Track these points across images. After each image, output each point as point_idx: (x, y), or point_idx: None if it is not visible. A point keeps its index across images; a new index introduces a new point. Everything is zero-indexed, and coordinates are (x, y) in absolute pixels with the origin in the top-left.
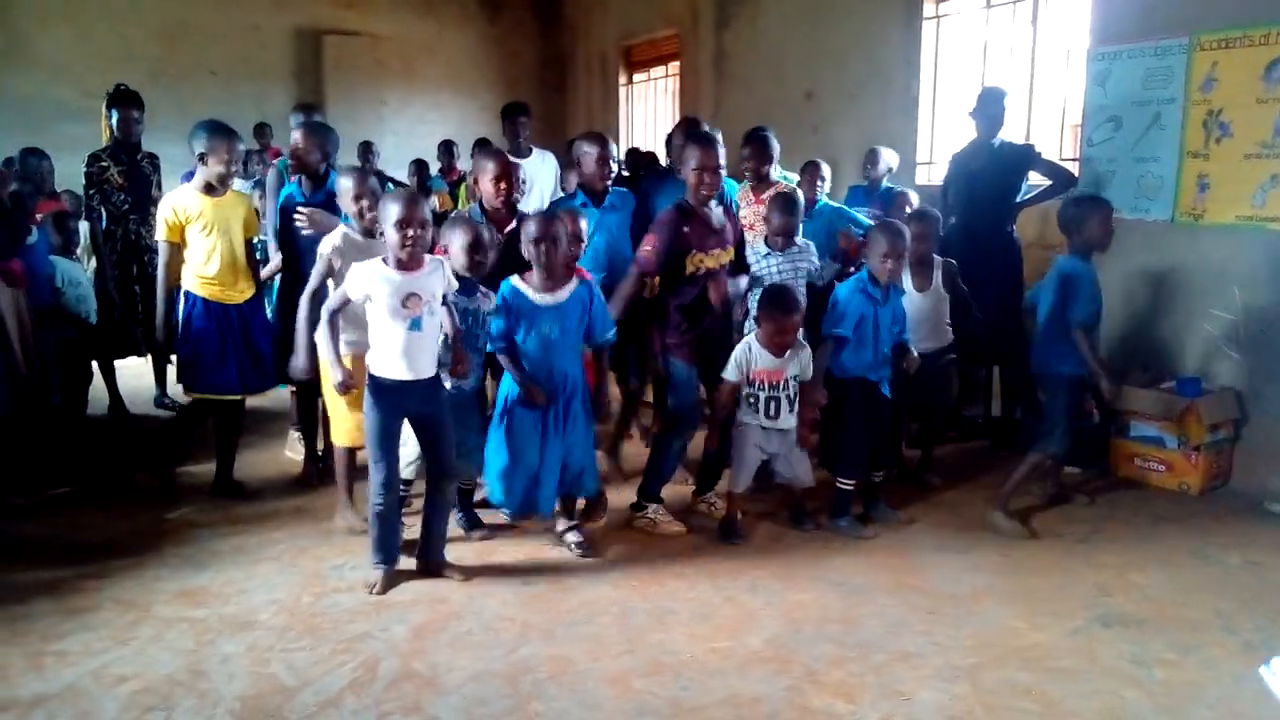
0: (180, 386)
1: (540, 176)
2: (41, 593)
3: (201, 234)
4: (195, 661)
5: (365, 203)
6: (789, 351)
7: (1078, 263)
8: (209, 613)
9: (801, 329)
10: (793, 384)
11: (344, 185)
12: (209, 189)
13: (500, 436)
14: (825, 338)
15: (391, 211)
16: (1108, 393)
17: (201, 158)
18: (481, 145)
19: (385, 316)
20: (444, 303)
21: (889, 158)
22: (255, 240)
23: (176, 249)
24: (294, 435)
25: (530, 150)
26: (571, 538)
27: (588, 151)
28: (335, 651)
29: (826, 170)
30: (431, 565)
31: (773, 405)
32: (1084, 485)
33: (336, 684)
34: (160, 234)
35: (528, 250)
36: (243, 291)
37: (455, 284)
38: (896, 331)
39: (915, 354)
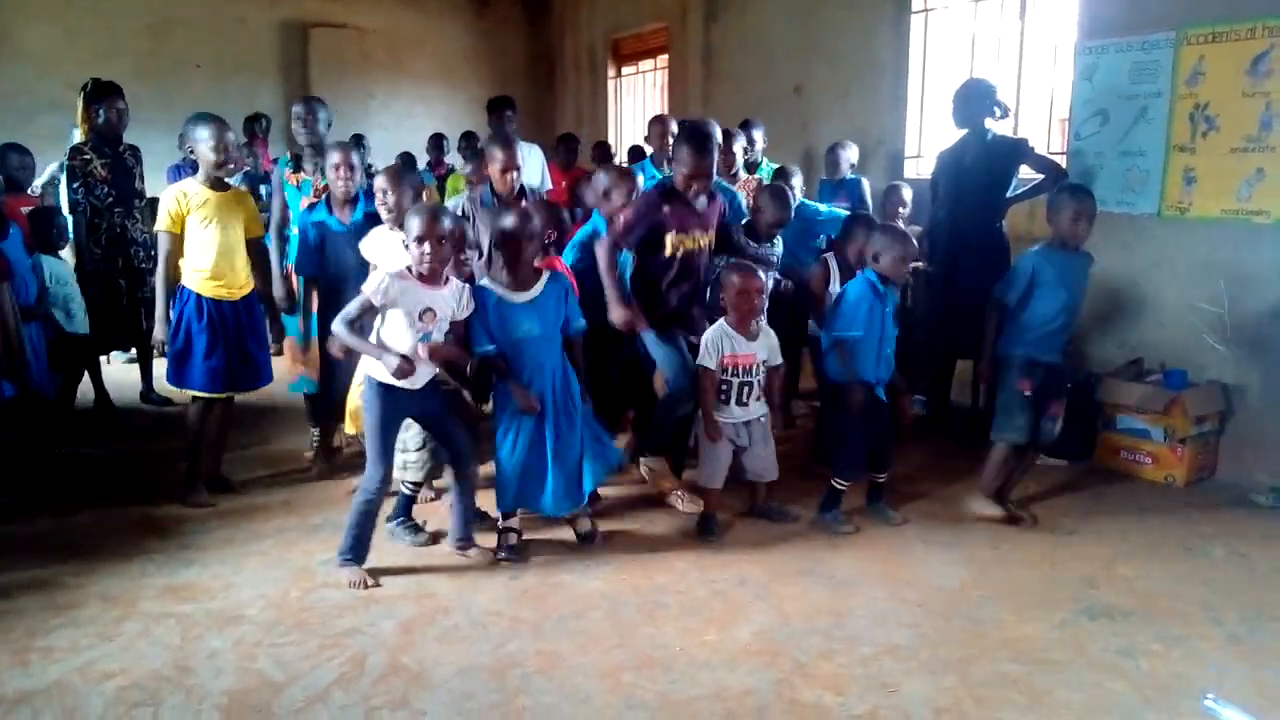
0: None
1: (526, 170)
2: (27, 589)
3: (201, 226)
4: (182, 657)
5: (427, 247)
6: (760, 335)
7: (1038, 250)
8: (196, 608)
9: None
10: (762, 369)
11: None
12: (214, 182)
13: (509, 447)
14: (836, 340)
15: (412, 226)
16: (981, 375)
17: (191, 149)
18: (469, 137)
19: (400, 325)
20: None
21: (849, 154)
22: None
23: (177, 240)
24: (314, 435)
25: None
26: (583, 526)
27: (617, 186)
28: (323, 646)
29: (797, 180)
30: (460, 544)
31: (745, 391)
32: (1070, 482)
33: (324, 679)
34: (161, 224)
35: (496, 249)
36: (241, 288)
37: (471, 309)
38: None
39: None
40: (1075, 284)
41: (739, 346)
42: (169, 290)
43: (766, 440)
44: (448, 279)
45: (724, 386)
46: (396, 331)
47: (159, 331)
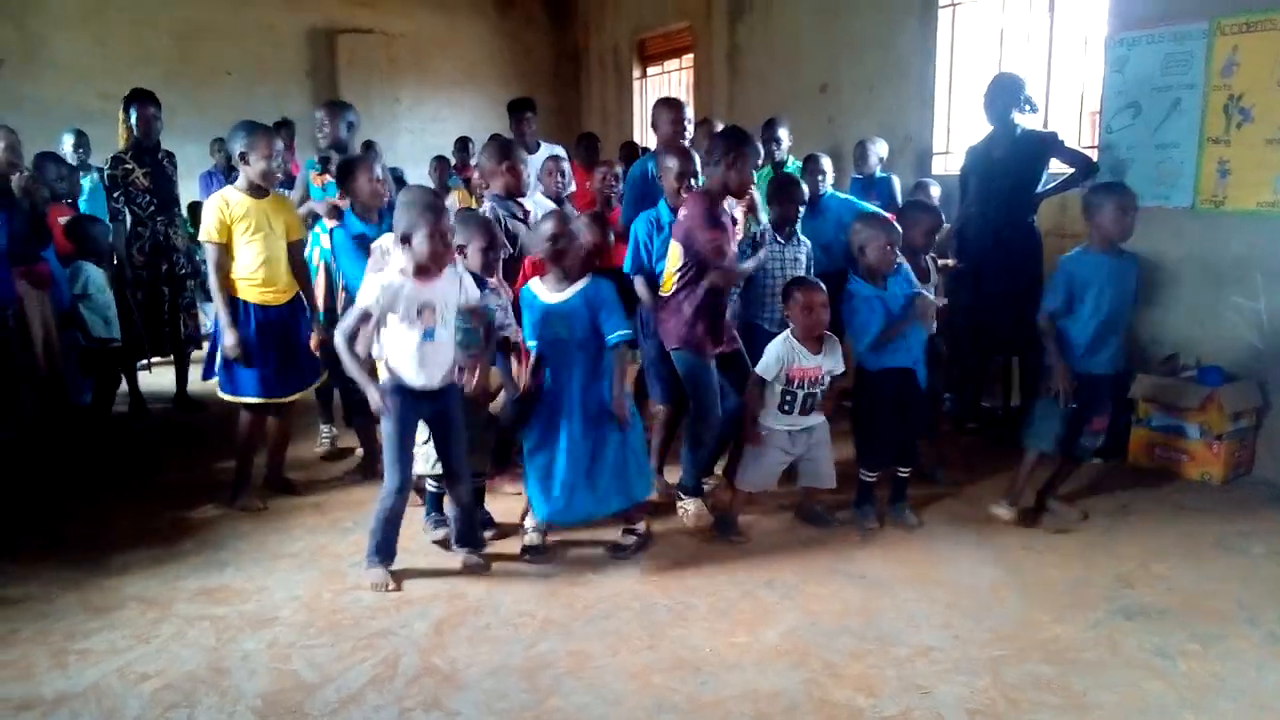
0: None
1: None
2: (65, 591)
3: (245, 234)
4: (217, 659)
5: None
6: (825, 346)
7: (1075, 254)
8: (230, 610)
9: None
10: (827, 379)
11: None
12: (254, 189)
13: (540, 460)
14: (869, 346)
15: (400, 222)
16: (1054, 385)
17: (243, 157)
18: (496, 140)
19: (399, 328)
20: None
21: (878, 149)
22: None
23: (225, 250)
24: (323, 432)
25: (538, 145)
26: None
27: (669, 167)
28: (356, 648)
29: (827, 163)
30: (464, 558)
31: (809, 402)
32: (1105, 480)
33: (357, 680)
34: (208, 235)
35: (543, 248)
36: (284, 292)
37: (474, 293)
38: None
39: (927, 296)
40: (1121, 289)
41: (804, 360)
42: (228, 301)
43: (825, 447)
44: (441, 269)
45: (788, 398)
46: (398, 335)
47: (229, 341)
